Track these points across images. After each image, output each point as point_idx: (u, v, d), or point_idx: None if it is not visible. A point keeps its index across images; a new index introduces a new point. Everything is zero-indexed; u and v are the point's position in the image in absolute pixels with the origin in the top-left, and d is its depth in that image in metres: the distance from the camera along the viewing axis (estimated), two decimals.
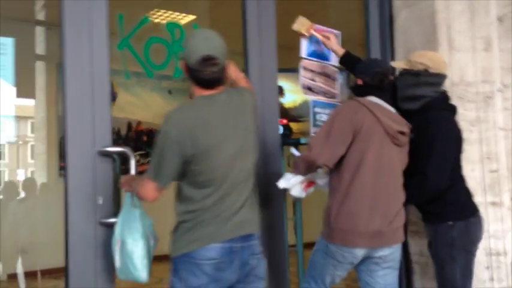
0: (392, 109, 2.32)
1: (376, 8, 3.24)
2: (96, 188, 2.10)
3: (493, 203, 2.95)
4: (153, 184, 1.80)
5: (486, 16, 3.05)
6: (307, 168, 2.25)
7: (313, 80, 2.83)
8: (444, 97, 2.58)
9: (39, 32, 5.92)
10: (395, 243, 2.26)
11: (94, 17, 2.11)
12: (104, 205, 2.10)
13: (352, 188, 2.16)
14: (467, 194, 2.52)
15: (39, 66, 6.07)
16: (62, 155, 5.39)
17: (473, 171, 2.92)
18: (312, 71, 2.83)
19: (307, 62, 2.82)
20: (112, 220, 2.08)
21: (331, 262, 2.21)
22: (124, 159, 2.13)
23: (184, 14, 5.24)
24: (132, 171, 2.10)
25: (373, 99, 2.28)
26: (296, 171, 2.26)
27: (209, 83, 1.83)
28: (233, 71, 2.04)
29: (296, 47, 2.81)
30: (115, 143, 5.96)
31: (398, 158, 2.28)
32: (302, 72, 2.80)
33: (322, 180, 2.36)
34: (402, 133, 2.26)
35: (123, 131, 6.09)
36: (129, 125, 6.24)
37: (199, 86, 1.85)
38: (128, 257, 1.87)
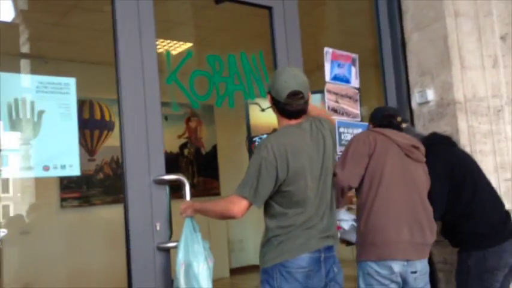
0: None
1: (388, 31, 3.44)
2: (153, 215, 2.21)
3: (509, 211, 3.12)
4: (246, 202, 1.96)
5: (492, 35, 3.27)
6: (340, 194, 2.33)
7: (337, 101, 3.00)
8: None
9: (24, 65, 5.97)
10: (425, 257, 2.31)
11: (144, 55, 2.26)
12: (161, 230, 2.22)
13: (376, 203, 2.24)
14: (488, 223, 2.51)
15: None
16: (63, 187, 5.51)
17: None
18: (335, 93, 3.00)
19: (331, 85, 2.99)
20: (170, 245, 2.20)
21: (373, 284, 2.21)
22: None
23: (181, 42, 5.42)
24: (187, 197, 2.22)
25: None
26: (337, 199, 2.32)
27: (295, 115, 2.07)
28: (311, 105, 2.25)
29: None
30: (114, 172, 6.09)
31: (417, 172, 2.37)
32: (327, 95, 2.97)
33: (346, 223, 2.50)
34: (415, 147, 2.38)
35: None
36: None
37: (286, 116, 2.08)
38: (194, 279, 1.99)
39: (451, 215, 2.53)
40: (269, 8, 2.85)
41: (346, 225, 2.45)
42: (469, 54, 3.16)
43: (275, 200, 2.01)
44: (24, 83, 2.00)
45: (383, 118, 2.48)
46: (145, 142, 2.23)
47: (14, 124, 1.89)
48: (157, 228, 2.21)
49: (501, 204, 2.64)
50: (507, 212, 2.62)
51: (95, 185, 5.97)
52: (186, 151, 6.76)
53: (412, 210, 2.27)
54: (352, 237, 2.56)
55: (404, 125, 2.56)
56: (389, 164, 2.28)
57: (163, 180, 2.24)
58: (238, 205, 1.96)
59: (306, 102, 2.08)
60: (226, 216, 2.09)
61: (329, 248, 2.07)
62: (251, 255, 6.97)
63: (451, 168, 2.54)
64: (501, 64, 3.28)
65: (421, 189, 2.35)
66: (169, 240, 2.24)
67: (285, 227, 1.99)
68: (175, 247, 2.20)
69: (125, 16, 2.26)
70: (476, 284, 2.46)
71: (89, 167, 5.81)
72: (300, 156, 2.00)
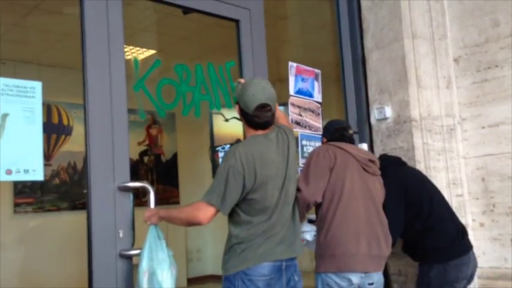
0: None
1: (349, 48, 3.57)
2: (116, 222, 2.20)
3: None
4: (213, 209, 1.99)
5: (446, 57, 3.46)
6: (305, 209, 2.36)
7: (300, 115, 3.09)
8: None
9: None
10: (381, 269, 2.39)
11: (112, 60, 2.27)
12: (124, 238, 2.21)
13: (336, 216, 2.30)
14: (448, 237, 2.61)
15: None
16: (17, 192, 5.34)
17: None
18: (299, 106, 3.09)
19: (295, 99, 3.08)
20: (132, 252, 2.20)
21: None
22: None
23: (144, 49, 5.41)
24: (152, 204, 2.23)
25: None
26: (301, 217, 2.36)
27: (263, 126, 2.13)
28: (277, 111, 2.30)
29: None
30: (71, 177, 5.96)
31: (374, 186, 2.46)
32: (291, 108, 3.05)
33: (309, 234, 2.52)
34: (372, 161, 2.49)
35: (80, 165, 6.06)
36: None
37: (254, 127, 2.14)
38: (158, 287, 2.00)
39: (412, 233, 2.62)
40: (236, 21, 2.92)
41: (309, 237, 2.50)
42: (424, 74, 3.33)
43: (241, 207, 2.05)
44: None
45: (335, 131, 2.56)
46: (110, 148, 2.22)
47: None
48: (121, 235, 2.20)
49: (456, 217, 2.76)
50: (463, 226, 2.74)
51: (50, 191, 5.82)
52: (146, 158, 6.70)
53: (369, 223, 2.34)
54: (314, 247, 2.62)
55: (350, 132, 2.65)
56: (349, 177, 2.35)
57: (128, 187, 2.24)
58: (205, 212, 1.99)
59: (273, 115, 2.14)
60: (192, 223, 2.10)
61: (291, 257, 2.11)
62: (209, 265, 6.96)
63: (405, 188, 2.63)
64: (454, 85, 3.46)
65: (377, 202, 2.43)
66: (132, 247, 2.23)
67: (248, 234, 2.03)
68: (138, 254, 2.19)
69: (94, 19, 2.25)
70: None
71: (45, 172, 5.65)
72: (267, 166, 2.04)
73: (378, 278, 2.35)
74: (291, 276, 2.09)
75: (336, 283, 2.26)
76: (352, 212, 2.31)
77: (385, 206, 2.49)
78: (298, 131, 3.08)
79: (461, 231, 2.69)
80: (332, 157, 2.37)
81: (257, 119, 2.10)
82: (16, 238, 5.39)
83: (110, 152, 2.22)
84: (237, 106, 2.17)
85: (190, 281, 6.77)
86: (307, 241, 2.50)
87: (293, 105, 3.06)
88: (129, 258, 2.22)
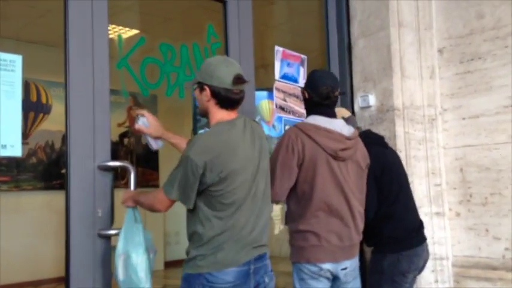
0: (336, 124, 2.33)
1: (335, 35, 3.55)
2: (95, 201, 2.17)
3: (437, 213, 3.34)
4: (170, 201, 1.93)
5: (431, 48, 3.48)
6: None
7: (284, 100, 3.07)
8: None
9: None
10: (354, 256, 2.36)
11: (96, 38, 2.21)
12: (102, 217, 2.18)
13: (307, 211, 2.25)
14: (406, 229, 2.63)
15: None
16: None
17: (421, 185, 3.30)
18: (283, 91, 3.07)
19: (280, 84, 3.06)
20: (111, 232, 2.18)
21: (305, 278, 2.26)
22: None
23: (127, 29, 5.31)
24: (132, 185, 2.20)
25: (314, 120, 2.33)
26: None
27: (235, 103, 1.97)
28: None
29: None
30: (48, 157, 5.86)
31: (345, 173, 2.32)
32: (275, 92, 3.03)
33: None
34: (343, 149, 2.30)
35: (58, 144, 5.98)
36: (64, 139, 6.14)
37: (226, 107, 1.96)
38: (132, 270, 1.96)
39: (374, 217, 2.60)
40: (223, 2, 2.87)
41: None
42: (409, 64, 3.34)
43: (203, 201, 1.88)
44: None
45: (321, 95, 2.33)
46: (91, 127, 2.17)
47: None
48: (99, 214, 2.17)
49: (417, 211, 2.80)
50: (421, 220, 2.78)
51: (27, 170, 5.72)
52: (126, 140, 6.63)
53: (340, 215, 2.29)
54: None
55: (347, 115, 2.58)
56: (319, 173, 2.26)
57: (109, 166, 2.20)
58: (164, 204, 1.94)
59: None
60: (153, 211, 2.05)
61: (260, 258, 1.96)
62: None
63: (381, 170, 2.61)
64: (437, 76, 3.49)
65: (347, 191, 2.32)
66: (111, 227, 2.21)
67: (212, 234, 1.86)
68: (117, 234, 2.17)
69: None
70: (389, 284, 2.58)
71: (22, 150, 5.53)
72: (233, 157, 1.88)
73: (350, 263, 2.33)
74: (260, 279, 1.95)
75: (308, 269, 2.25)
76: (322, 206, 2.26)
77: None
78: (282, 116, 3.08)
79: (419, 224, 2.73)
80: (300, 151, 2.24)
81: (231, 94, 1.93)
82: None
83: (90, 131, 2.18)
84: (201, 91, 1.97)
85: (168, 264, 6.77)
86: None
87: (278, 90, 3.05)
88: (108, 238, 2.19)
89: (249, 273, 1.90)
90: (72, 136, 2.14)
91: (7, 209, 5.42)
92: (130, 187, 2.21)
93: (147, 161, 6.73)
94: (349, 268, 2.33)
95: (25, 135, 5.50)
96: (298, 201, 2.29)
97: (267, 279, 2.00)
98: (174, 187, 1.89)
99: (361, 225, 2.39)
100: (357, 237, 2.37)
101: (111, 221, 2.22)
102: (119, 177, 4.96)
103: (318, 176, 2.25)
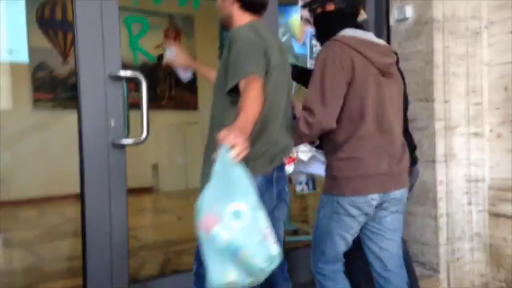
0: (373, 38, 2.10)
1: None
2: (107, 111, 2.16)
3: (475, 134, 3.14)
4: (261, 80, 1.68)
5: None
6: (315, 135, 2.03)
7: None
8: None
9: None
10: (404, 185, 2.10)
11: None
12: (116, 127, 2.18)
13: (354, 137, 1.98)
14: None
15: None
16: (35, 88, 5.31)
17: (459, 104, 3.09)
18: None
19: None
20: (125, 141, 2.18)
21: (343, 220, 2.00)
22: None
23: None
24: (144, 96, 2.16)
25: (350, 32, 2.03)
26: (302, 140, 2.05)
27: (259, 7, 1.89)
28: None
29: None
30: None
31: (392, 94, 2.07)
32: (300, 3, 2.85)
33: (305, 154, 2.27)
34: (392, 64, 2.09)
35: None
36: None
37: (248, 10, 1.87)
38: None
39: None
40: None
41: (304, 157, 2.29)
42: None
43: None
44: None
45: (352, 6, 2.09)
46: (100, 36, 2.13)
47: None
48: (112, 124, 2.17)
49: None
50: None
51: (69, 89, 5.84)
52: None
53: (388, 141, 2.03)
54: (311, 169, 2.44)
55: (363, 16, 2.18)
56: (370, 93, 1.98)
57: (119, 76, 2.17)
58: (259, 87, 1.65)
59: None
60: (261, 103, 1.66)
61: (281, 166, 1.92)
62: None
63: None
64: None
65: (394, 114, 2.07)
66: (126, 137, 2.20)
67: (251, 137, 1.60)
68: (132, 144, 2.17)
69: None
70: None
71: (63, 70, 5.63)
72: (274, 51, 1.80)
73: (400, 193, 2.07)
74: (282, 187, 1.92)
75: (351, 205, 1.97)
76: (370, 132, 1.98)
77: None
78: (309, 28, 2.91)
79: None
80: (350, 68, 1.94)
81: None
82: (36, 133, 5.51)
83: (99, 40, 2.13)
84: None
85: None
86: (302, 161, 2.29)
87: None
88: (122, 147, 2.20)
89: (271, 180, 1.85)
90: (81, 44, 2.10)
91: (52, 126, 5.57)
92: (141, 99, 2.16)
93: (186, 84, 6.69)
94: (399, 198, 2.07)
95: (65, 55, 5.55)
96: (342, 126, 1.99)
97: (286, 189, 1.99)
98: (249, 66, 1.67)
99: (407, 152, 2.12)
100: (406, 164, 2.10)
101: (125, 130, 2.22)
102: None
103: (368, 96, 1.97)
